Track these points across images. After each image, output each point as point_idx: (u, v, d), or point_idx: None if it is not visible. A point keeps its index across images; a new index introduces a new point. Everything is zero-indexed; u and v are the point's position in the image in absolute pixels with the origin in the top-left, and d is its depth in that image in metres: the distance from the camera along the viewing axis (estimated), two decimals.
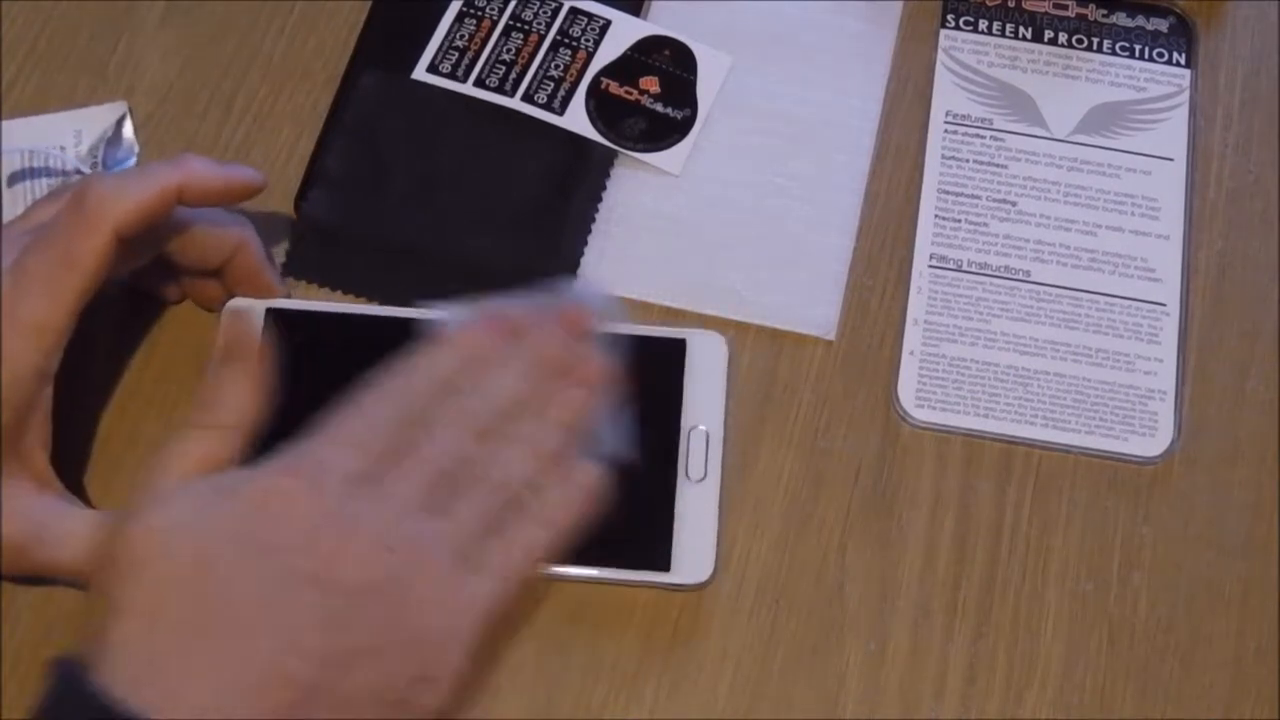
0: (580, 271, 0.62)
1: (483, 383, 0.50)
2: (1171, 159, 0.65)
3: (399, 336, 0.52)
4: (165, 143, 0.64)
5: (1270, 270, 0.63)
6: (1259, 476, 0.60)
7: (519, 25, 0.66)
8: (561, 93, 0.65)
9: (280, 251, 0.62)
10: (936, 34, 0.67)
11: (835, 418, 0.60)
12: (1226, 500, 0.59)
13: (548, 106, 0.65)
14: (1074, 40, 0.67)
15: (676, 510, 0.56)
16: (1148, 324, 0.62)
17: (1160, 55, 0.67)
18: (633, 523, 0.53)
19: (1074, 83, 0.67)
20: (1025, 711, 0.55)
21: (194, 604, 0.44)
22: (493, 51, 0.66)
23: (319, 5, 0.67)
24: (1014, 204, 0.64)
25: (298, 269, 0.61)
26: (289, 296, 0.60)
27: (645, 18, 0.67)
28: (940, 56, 0.67)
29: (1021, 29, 0.67)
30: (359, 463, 0.47)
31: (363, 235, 0.62)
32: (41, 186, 0.62)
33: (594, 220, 0.63)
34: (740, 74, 0.66)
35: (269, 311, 0.58)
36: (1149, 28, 0.68)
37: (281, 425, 0.50)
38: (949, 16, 0.68)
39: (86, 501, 0.56)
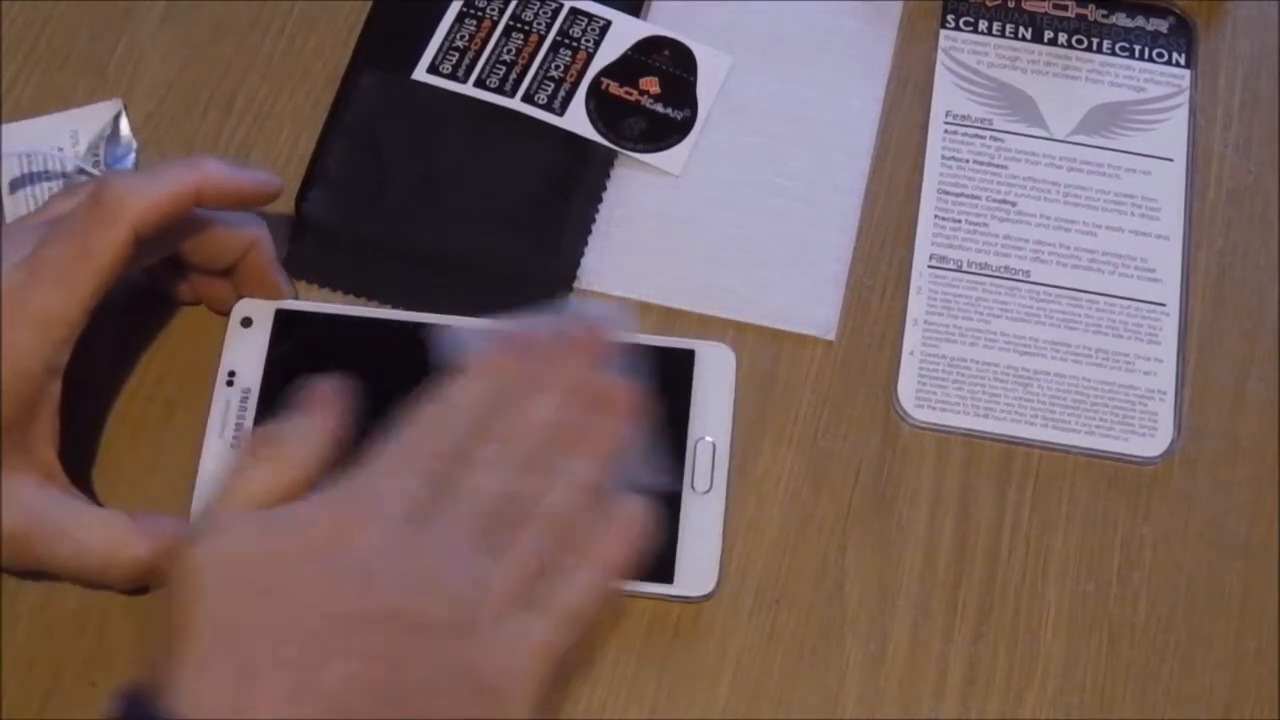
0: (580, 271, 0.62)
1: (519, 415, 0.48)
2: (1171, 159, 0.65)
3: (407, 341, 0.51)
4: (165, 143, 0.64)
5: (1270, 270, 0.63)
6: (1259, 476, 0.60)
7: (519, 26, 0.66)
8: (561, 93, 0.65)
9: (280, 251, 0.62)
10: (936, 34, 0.67)
11: (835, 418, 0.60)
12: (1226, 500, 0.59)
13: (548, 107, 0.65)
14: (1074, 40, 0.67)
15: (681, 522, 0.56)
16: (1147, 324, 0.62)
17: (1160, 56, 0.67)
18: None
19: (1074, 83, 0.67)
20: (1025, 711, 0.55)
21: (262, 633, 0.42)
22: (493, 52, 0.66)
23: (319, 5, 0.67)
24: (1014, 204, 0.64)
25: (297, 269, 0.61)
26: (297, 298, 0.60)
27: (645, 18, 0.67)
28: (940, 57, 0.67)
29: (1021, 29, 0.67)
30: (415, 498, 0.45)
31: (362, 235, 0.62)
32: (43, 190, 0.62)
33: (594, 220, 0.63)
34: (740, 74, 0.66)
35: (278, 313, 0.58)
36: (1149, 28, 0.68)
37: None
38: (949, 17, 0.68)
39: (93, 498, 0.56)
